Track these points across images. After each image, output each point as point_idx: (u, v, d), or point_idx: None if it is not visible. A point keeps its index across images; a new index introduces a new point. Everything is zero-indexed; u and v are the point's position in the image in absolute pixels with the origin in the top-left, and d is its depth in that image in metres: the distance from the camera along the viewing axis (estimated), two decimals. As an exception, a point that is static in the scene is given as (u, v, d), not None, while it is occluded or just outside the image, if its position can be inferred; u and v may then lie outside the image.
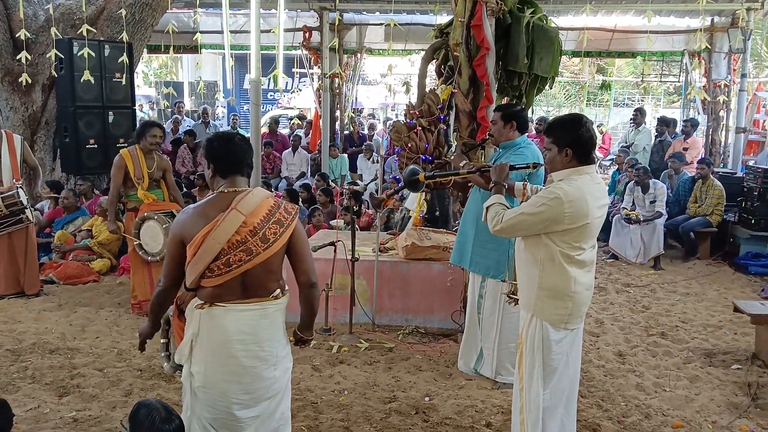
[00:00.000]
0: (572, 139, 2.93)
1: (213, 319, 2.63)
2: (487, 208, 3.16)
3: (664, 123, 10.32)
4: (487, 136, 4.53)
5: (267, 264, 2.64)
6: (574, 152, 2.93)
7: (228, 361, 2.64)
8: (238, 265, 2.58)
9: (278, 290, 2.74)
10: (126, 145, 7.21)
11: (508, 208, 3.10)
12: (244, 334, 2.64)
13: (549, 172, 3.08)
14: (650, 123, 11.75)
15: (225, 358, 2.64)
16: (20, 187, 5.96)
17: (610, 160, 15.49)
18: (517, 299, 3.36)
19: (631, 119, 11.79)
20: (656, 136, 10.29)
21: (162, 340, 2.94)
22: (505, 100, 5.39)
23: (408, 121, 5.64)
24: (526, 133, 4.38)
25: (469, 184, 4.47)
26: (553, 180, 3.01)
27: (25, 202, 5.96)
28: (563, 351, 3.06)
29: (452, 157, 4.48)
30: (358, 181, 9.90)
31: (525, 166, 3.54)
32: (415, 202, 6.14)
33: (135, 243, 5.57)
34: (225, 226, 2.57)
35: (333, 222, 7.35)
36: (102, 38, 7.86)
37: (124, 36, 7.11)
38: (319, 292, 2.80)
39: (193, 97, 20.01)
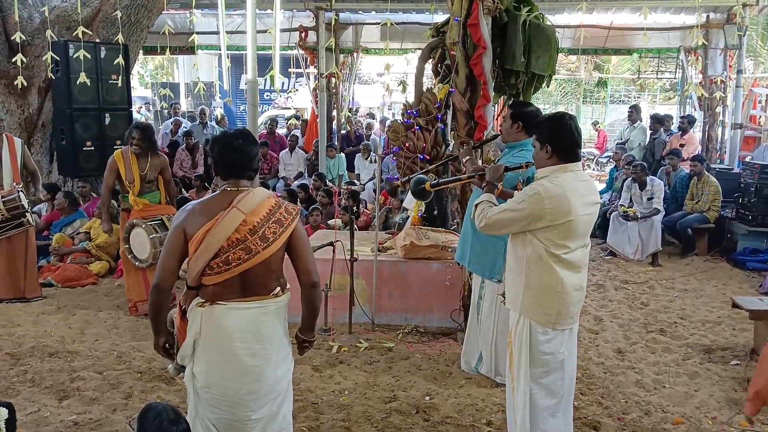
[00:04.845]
0: (552, 136, 2.99)
1: (214, 318, 2.65)
2: (476, 205, 3.20)
3: (658, 120, 10.32)
4: (498, 133, 4.52)
5: (267, 263, 2.65)
6: (554, 149, 2.98)
7: (230, 359, 2.65)
8: (237, 263, 2.60)
9: (278, 288, 2.75)
10: (121, 146, 7.21)
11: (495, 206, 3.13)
12: (246, 332, 2.65)
13: (536, 169, 3.12)
14: (646, 120, 11.74)
15: (227, 356, 2.65)
16: (21, 190, 5.97)
17: (606, 157, 15.52)
18: None
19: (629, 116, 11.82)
20: (650, 134, 10.31)
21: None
22: (502, 99, 5.40)
23: (405, 120, 5.65)
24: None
25: (471, 186, 4.50)
26: (537, 177, 3.06)
27: (26, 205, 5.96)
28: (553, 351, 3.05)
29: (460, 152, 4.46)
30: (356, 181, 9.90)
31: (518, 166, 3.55)
32: (413, 201, 6.14)
33: (125, 247, 5.59)
34: (225, 224, 2.59)
35: (331, 222, 7.35)
36: (98, 40, 7.84)
37: (120, 38, 7.08)
38: (320, 293, 2.81)
39: (189, 98, 19.98)
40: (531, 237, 2.98)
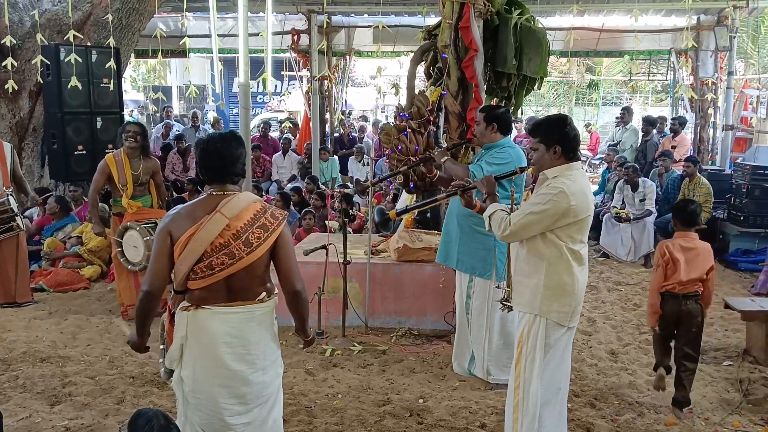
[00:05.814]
0: (559, 137, 3.06)
1: (199, 322, 2.63)
2: (489, 216, 3.22)
3: (650, 123, 10.35)
4: (473, 136, 4.55)
5: (251, 268, 2.63)
6: (563, 149, 3.05)
7: (215, 364, 2.63)
8: (220, 268, 2.58)
9: (264, 293, 2.72)
10: (112, 149, 7.18)
11: (509, 213, 3.15)
12: (231, 336, 2.63)
13: (538, 171, 3.16)
14: (638, 122, 11.78)
15: (212, 360, 2.63)
16: (11, 194, 5.93)
17: (599, 159, 15.56)
18: (511, 306, 3.36)
19: (617, 118, 11.86)
20: (642, 136, 10.35)
21: (160, 347, 2.91)
22: (494, 101, 5.41)
23: (398, 123, 5.64)
24: (510, 135, 4.37)
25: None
26: (547, 177, 3.09)
27: (15, 209, 5.92)
28: (561, 347, 3.14)
29: (436, 154, 4.50)
30: (349, 184, 9.89)
31: (512, 173, 3.56)
32: (406, 203, 6.14)
33: (117, 249, 5.55)
34: (209, 229, 2.57)
35: (327, 222, 7.34)
36: (89, 44, 7.82)
37: (111, 41, 7.07)
38: (304, 299, 2.75)
39: (181, 102, 19.94)
40: (552, 236, 3.04)
